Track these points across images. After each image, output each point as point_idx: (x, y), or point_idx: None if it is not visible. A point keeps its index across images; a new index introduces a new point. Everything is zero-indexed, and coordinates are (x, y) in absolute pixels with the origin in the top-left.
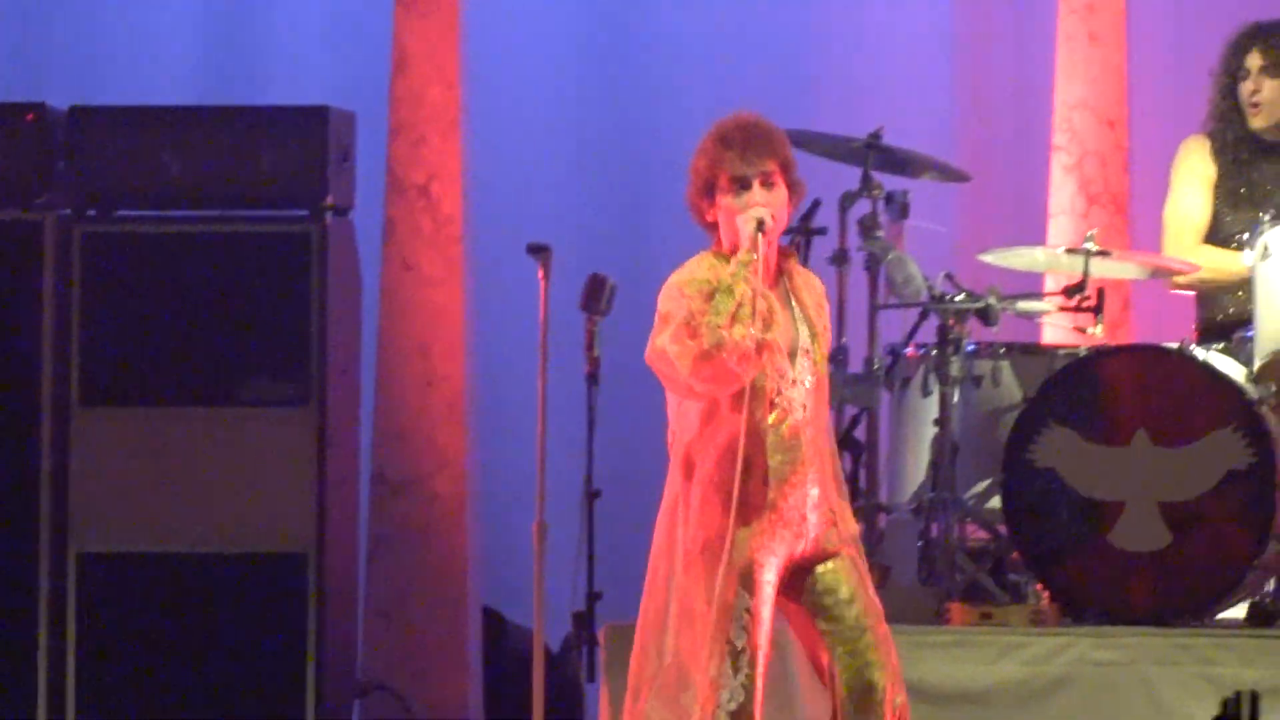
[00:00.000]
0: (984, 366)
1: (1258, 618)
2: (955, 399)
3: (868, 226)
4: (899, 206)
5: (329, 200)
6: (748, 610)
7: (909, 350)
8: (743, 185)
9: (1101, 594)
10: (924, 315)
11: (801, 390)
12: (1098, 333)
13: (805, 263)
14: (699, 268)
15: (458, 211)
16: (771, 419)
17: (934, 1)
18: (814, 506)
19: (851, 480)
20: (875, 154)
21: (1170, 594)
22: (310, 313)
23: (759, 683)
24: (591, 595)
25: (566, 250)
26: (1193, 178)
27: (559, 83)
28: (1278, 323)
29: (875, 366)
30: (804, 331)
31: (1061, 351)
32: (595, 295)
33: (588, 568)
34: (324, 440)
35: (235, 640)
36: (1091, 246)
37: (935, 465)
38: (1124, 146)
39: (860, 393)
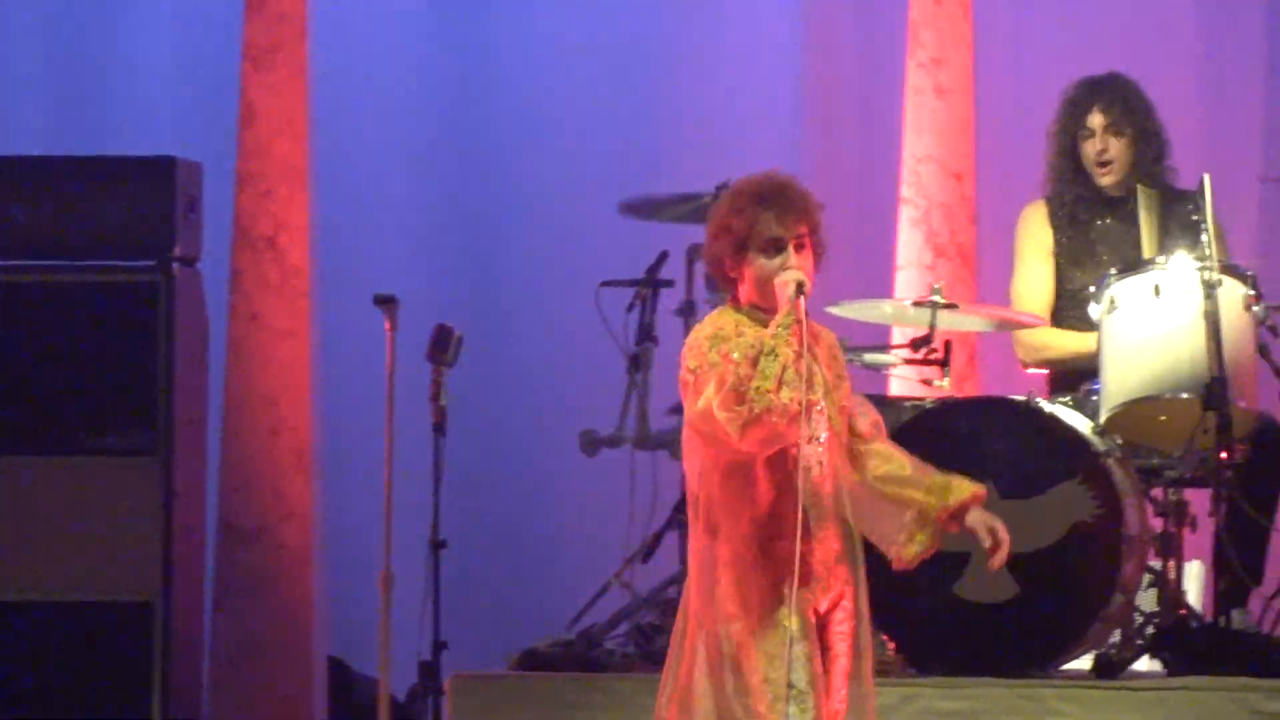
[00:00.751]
0: None
1: (1103, 669)
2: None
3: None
4: None
5: (176, 250)
6: (806, 654)
7: None
8: (778, 248)
9: (947, 645)
10: None
11: (818, 447)
12: (945, 385)
13: (652, 315)
14: (722, 321)
15: (305, 263)
16: (797, 472)
17: (783, 55)
18: (837, 561)
19: None
20: None
21: (1016, 645)
22: (157, 363)
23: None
24: (437, 645)
25: (414, 301)
26: (1035, 249)
27: (407, 134)
28: (1124, 376)
29: None
30: (818, 389)
31: (908, 404)
32: (441, 346)
33: (434, 617)
34: (170, 489)
35: (80, 689)
36: (938, 299)
37: None
38: (970, 199)
39: None
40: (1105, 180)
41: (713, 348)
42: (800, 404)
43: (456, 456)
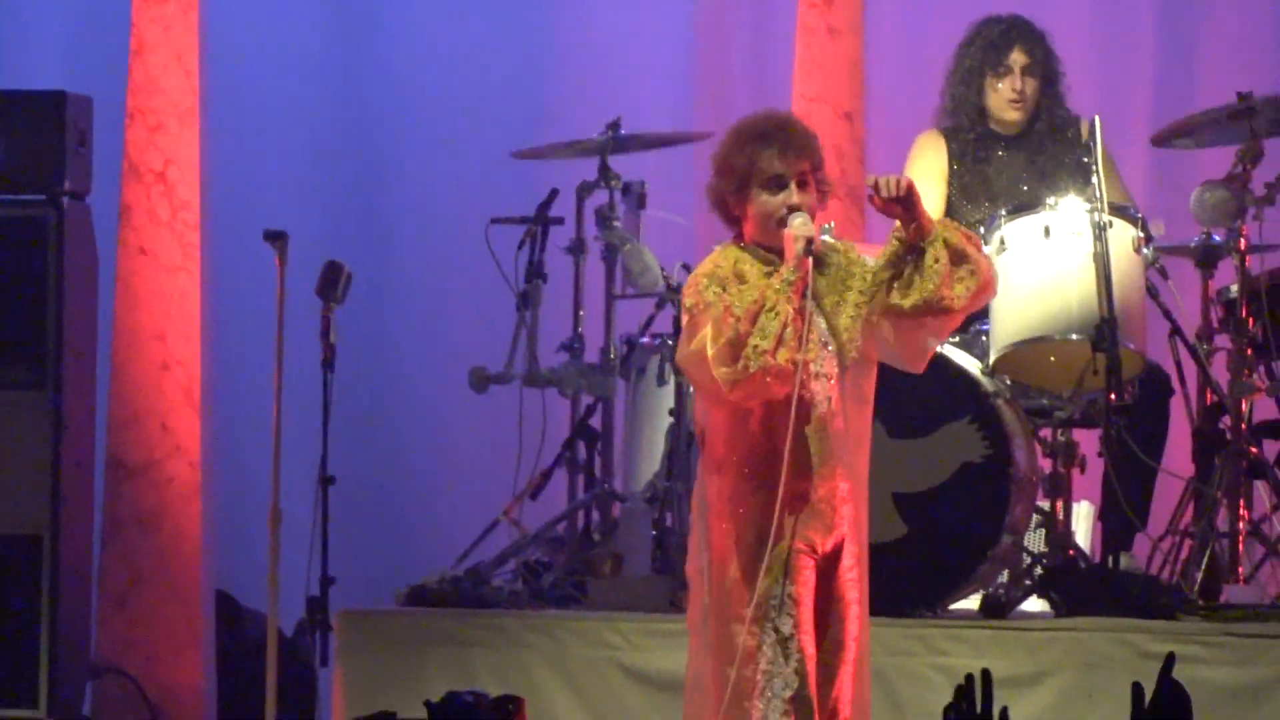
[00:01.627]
0: None
1: (990, 609)
2: (690, 388)
3: (605, 216)
4: (636, 197)
5: (66, 185)
6: (790, 597)
7: (645, 340)
8: (779, 184)
9: None
10: (660, 305)
11: (825, 383)
12: None
13: (541, 252)
14: (722, 259)
15: (195, 198)
16: (797, 411)
17: None
18: (843, 500)
19: (586, 469)
20: (613, 145)
21: (904, 585)
22: (46, 297)
23: (811, 667)
24: (325, 580)
25: (304, 238)
26: (927, 174)
27: (298, 71)
28: (1013, 317)
29: (611, 356)
30: (820, 325)
31: None
32: (331, 282)
33: (322, 553)
34: (60, 424)
35: None
36: (828, 238)
37: (670, 455)
38: (861, 139)
39: (595, 382)
40: (1014, 116)
41: (709, 286)
42: (796, 364)
43: (346, 393)
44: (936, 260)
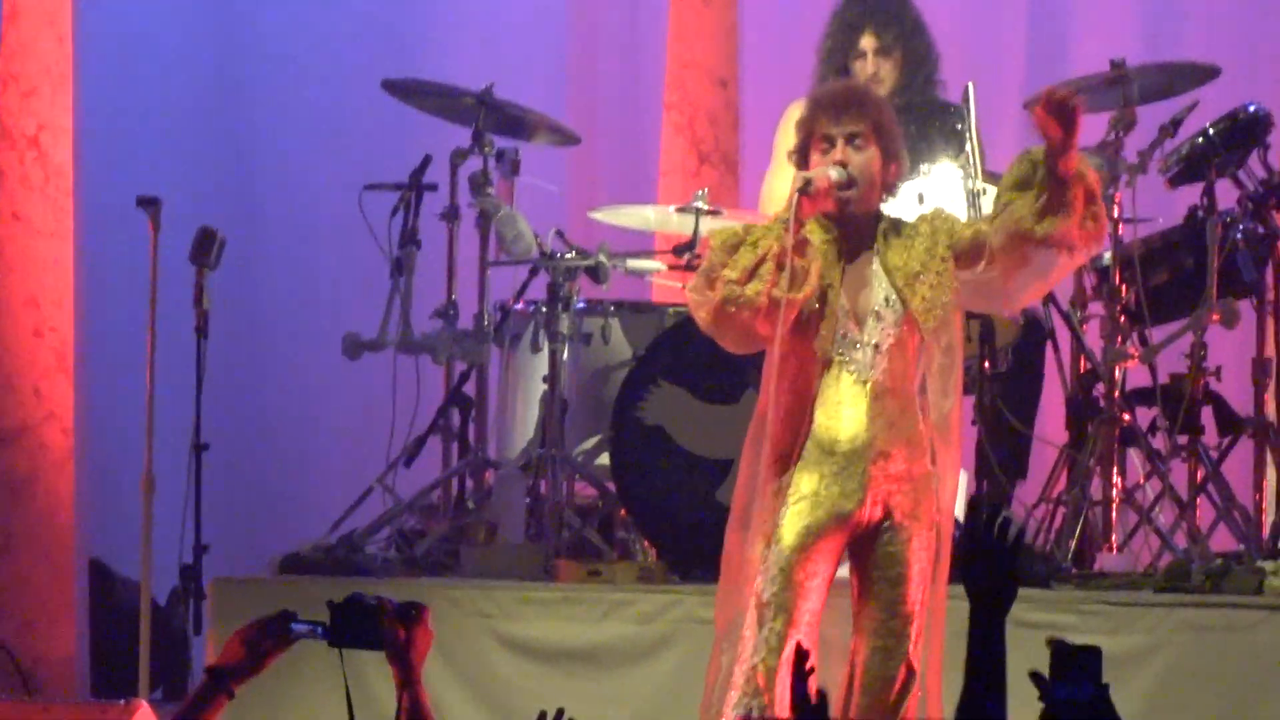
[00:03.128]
0: (594, 324)
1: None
2: (565, 356)
3: (478, 183)
4: (510, 164)
5: None
6: (776, 565)
7: (519, 307)
8: (830, 144)
9: (710, 552)
10: (534, 272)
11: (869, 352)
12: None
13: (415, 219)
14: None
15: (69, 163)
16: (831, 377)
17: None
18: (885, 472)
19: (460, 437)
20: (486, 111)
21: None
22: None
23: (788, 644)
24: (199, 548)
25: (177, 204)
26: None
27: (171, 37)
28: None
29: (485, 323)
30: (879, 295)
31: (671, 309)
32: (204, 248)
33: (195, 521)
34: None
35: None
36: (702, 205)
37: (544, 422)
38: (735, 106)
39: (469, 349)
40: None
41: (748, 228)
42: (773, 300)
43: (219, 359)
44: (1076, 198)
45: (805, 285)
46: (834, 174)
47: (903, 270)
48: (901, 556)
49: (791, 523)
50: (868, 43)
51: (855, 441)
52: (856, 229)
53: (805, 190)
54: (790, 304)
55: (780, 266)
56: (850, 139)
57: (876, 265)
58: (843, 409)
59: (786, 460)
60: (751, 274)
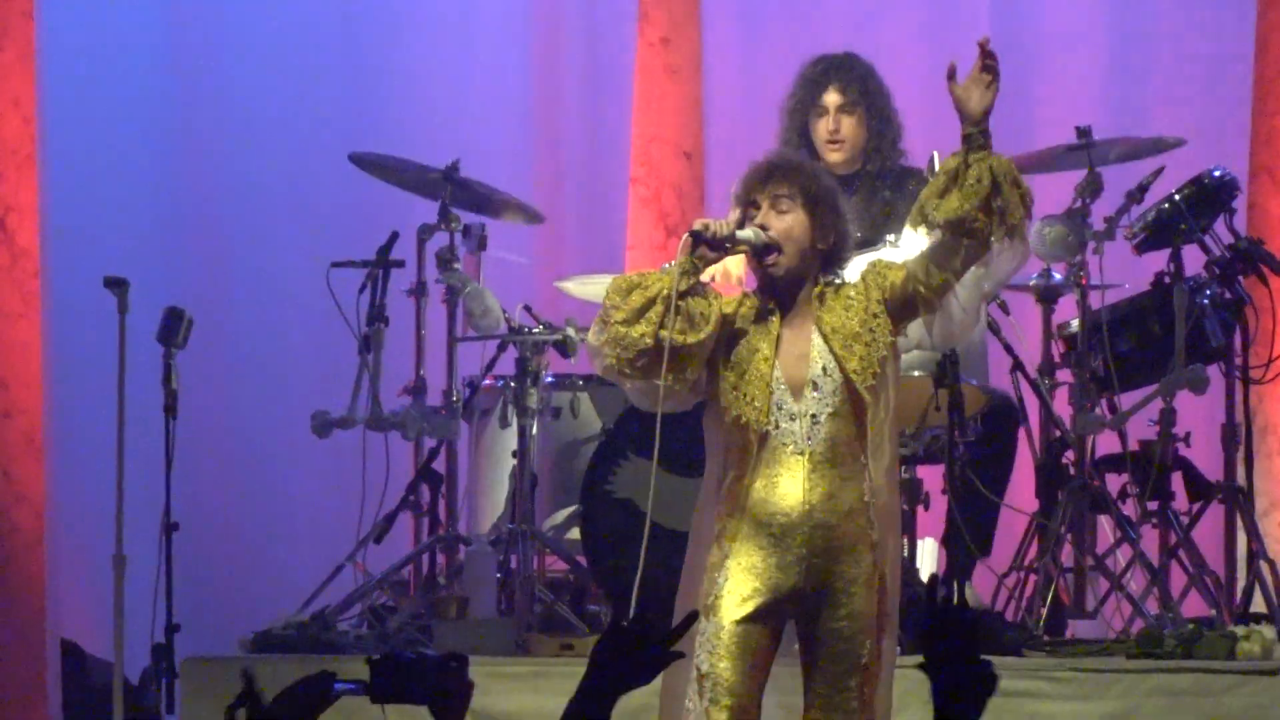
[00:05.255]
0: (562, 398)
1: None
2: (534, 430)
3: (445, 259)
4: (477, 239)
5: None
6: (716, 638)
7: (487, 382)
8: (755, 207)
9: (669, 612)
10: (502, 347)
11: (806, 423)
12: None
13: (383, 296)
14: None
15: (34, 244)
16: (769, 449)
17: (511, 35)
18: (819, 544)
19: (430, 512)
20: (453, 187)
21: None
22: None
23: (730, 716)
24: (170, 628)
25: (145, 282)
26: None
27: (139, 116)
28: None
29: (454, 399)
30: (817, 365)
31: None
32: (172, 328)
33: (167, 600)
34: None
35: None
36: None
37: (514, 497)
38: (701, 178)
39: (438, 425)
40: (834, 157)
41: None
42: (653, 340)
43: (189, 439)
44: (979, 180)
45: (699, 331)
46: (750, 234)
47: (841, 332)
48: (845, 630)
49: (729, 596)
50: (830, 99)
51: (792, 514)
52: (791, 297)
53: (701, 234)
54: (685, 351)
55: (669, 310)
56: (774, 202)
57: (815, 334)
58: (780, 481)
59: (725, 532)
60: (639, 315)
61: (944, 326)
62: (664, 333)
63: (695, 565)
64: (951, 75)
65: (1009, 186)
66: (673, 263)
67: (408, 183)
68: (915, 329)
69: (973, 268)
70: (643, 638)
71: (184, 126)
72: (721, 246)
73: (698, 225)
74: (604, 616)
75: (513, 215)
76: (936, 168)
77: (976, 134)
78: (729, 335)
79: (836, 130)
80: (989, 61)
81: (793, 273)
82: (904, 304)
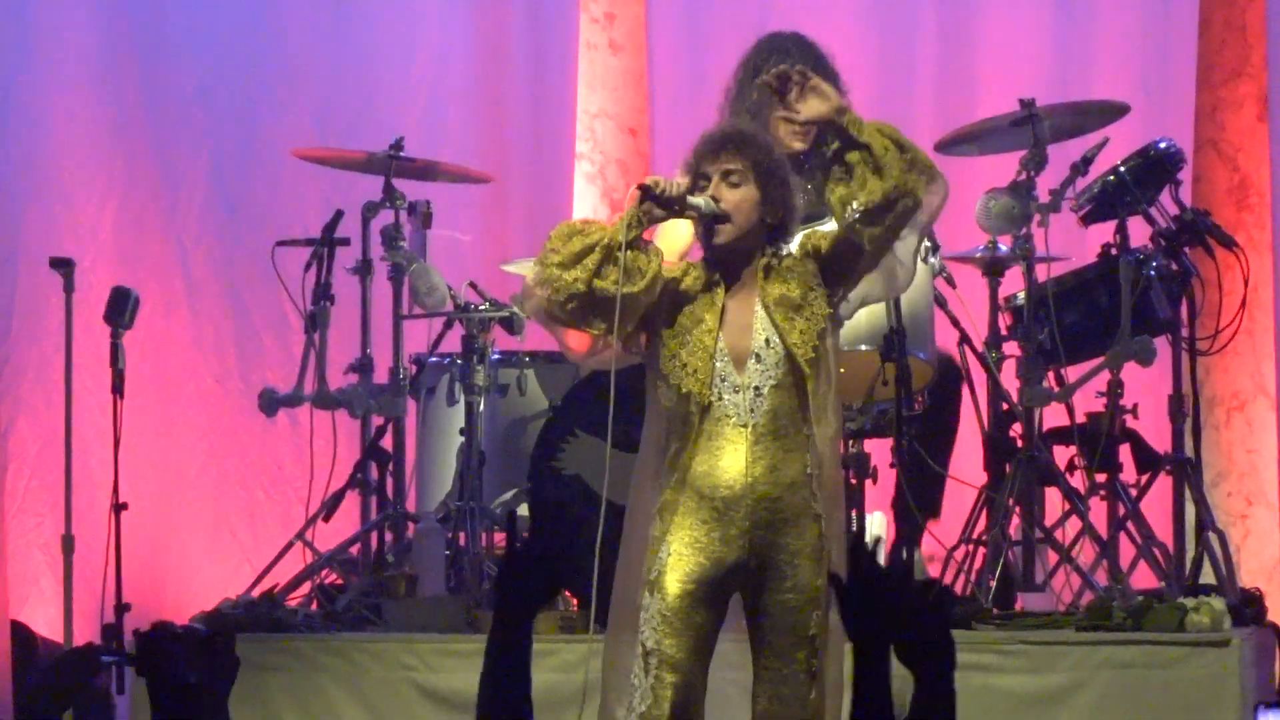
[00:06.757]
0: (509, 375)
1: None
2: (481, 408)
3: (391, 236)
4: (422, 216)
5: None
6: (660, 613)
7: (434, 359)
8: (705, 179)
9: None
10: (449, 325)
11: (749, 395)
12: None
13: (328, 275)
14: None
15: None
16: (711, 420)
17: (452, 11)
18: (763, 518)
19: (378, 490)
20: (397, 164)
21: None
22: None
23: (676, 692)
24: (120, 607)
25: (92, 263)
26: None
27: (88, 97)
28: None
29: (400, 376)
30: (760, 337)
31: None
32: (119, 308)
33: (116, 580)
34: None
35: None
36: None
37: (462, 474)
38: (646, 154)
39: (385, 402)
40: (798, 145)
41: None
42: (584, 286)
43: (136, 418)
44: (885, 150)
45: (634, 283)
46: (701, 202)
47: (783, 303)
48: (791, 602)
49: (673, 571)
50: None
51: (735, 487)
52: (736, 268)
53: (651, 189)
54: (628, 299)
55: (606, 259)
56: (725, 175)
57: (759, 307)
58: (722, 454)
59: (668, 506)
60: (576, 260)
61: (888, 282)
62: (598, 281)
63: (634, 537)
64: (784, 105)
65: (907, 142)
66: (621, 218)
67: (352, 165)
68: (858, 290)
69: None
70: (540, 557)
71: (137, 98)
72: (670, 206)
73: (649, 181)
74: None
75: (457, 180)
76: None
77: (847, 122)
78: (671, 303)
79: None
80: (780, 87)
81: (740, 245)
82: (841, 269)
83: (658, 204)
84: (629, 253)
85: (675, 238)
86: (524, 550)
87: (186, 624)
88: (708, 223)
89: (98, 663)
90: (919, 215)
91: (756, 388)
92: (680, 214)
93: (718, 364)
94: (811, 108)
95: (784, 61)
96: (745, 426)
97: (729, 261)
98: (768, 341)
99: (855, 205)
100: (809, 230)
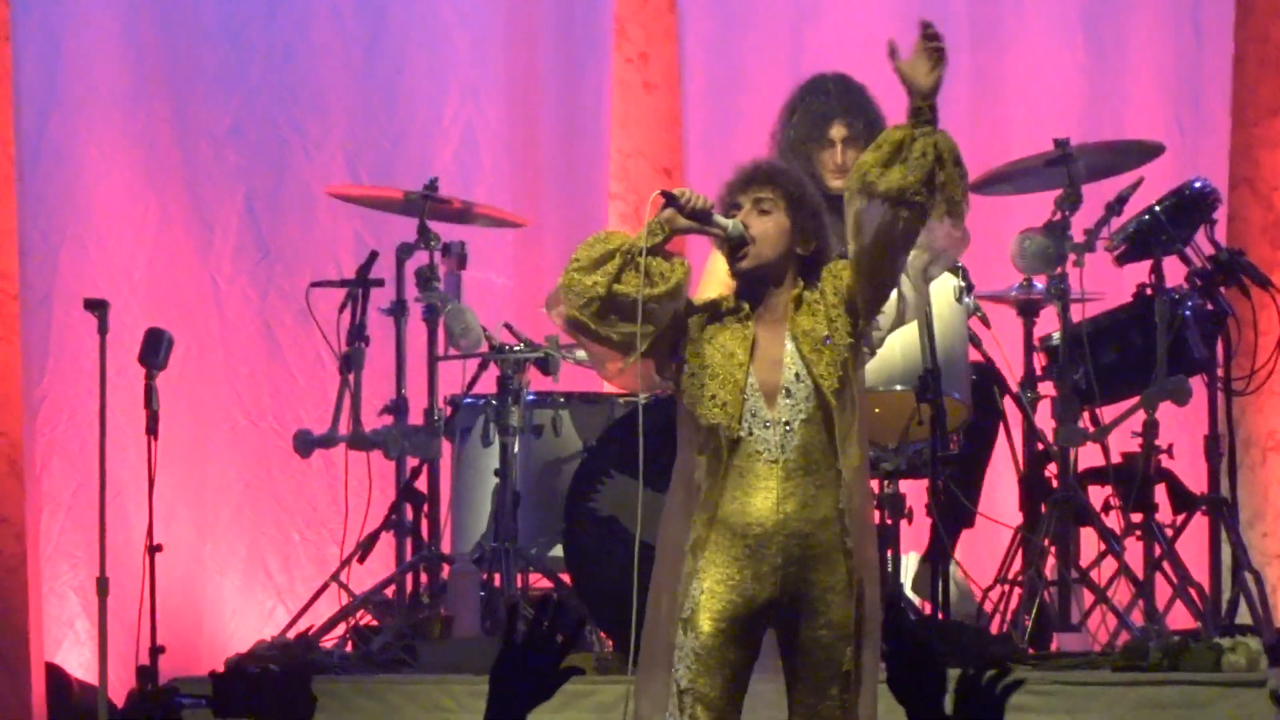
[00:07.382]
0: (544, 416)
1: None
2: (516, 449)
3: (425, 277)
4: (457, 257)
5: None
6: (694, 651)
7: (469, 400)
8: (737, 208)
9: None
10: (483, 365)
11: (779, 430)
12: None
13: (362, 315)
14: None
15: (12, 267)
16: (741, 456)
17: (485, 50)
18: (795, 554)
19: (413, 532)
20: (431, 205)
21: None
22: None
23: None
24: (154, 649)
25: (126, 303)
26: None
27: (120, 136)
28: None
29: (435, 418)
30: (789, 372)
31: (621, 400)
32: (153, 349)
33: (150, 621)
34: None
35: None
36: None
37: (497, 515)
38: None
39: (420, 444)
40: (837, 184)
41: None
42: (603, 290)
43: (170, 459)
44: (924, 154)
45: (655, 287)
46: (725, 222)
47: (812, 335)
48: (824, 639)
49: (705, 609)
50: (836, 133)
51: (766, 524)
52: (767, 301)
53: (673, 197)
54: (652, 303)
55: (627, 264)
56: (757, 203)
57: (789, 340)
58: (754, 490)
59: (699, 542)
60: (597, 266)
61: (899, 306)
62: (618, 286)
63: (664, 575)
64: (892, 53)
65: (951, 164)
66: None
67: (385, 205)
68: (883, 318)
69: (914, 251)
70: (536, 654)
71: (169, 139)
72: (693, 217)
73: (675, 191)
74: (590, 634)
75: (491, 224)
76: None
77: (925, 109)
78: (699, 332)
79: (842, 163)
80: (931, 43)
81: (768, 274)
82: (865, 297)
83: (680, 212)
84: (651, 258)
85: (724, 269)
86: (517, 653)
87: (264, 664)
88: (732, 245)
89: (175, 706)
90: (933, 243)
91: (787, 423)
92: (704, 227)
93: (748, 399)
94: (915, 69)
95: (823, 101)
96: (776, 463)
97: (759, 292)
98: (797, 376)
99: (869, 178)
100: (830, 264)
